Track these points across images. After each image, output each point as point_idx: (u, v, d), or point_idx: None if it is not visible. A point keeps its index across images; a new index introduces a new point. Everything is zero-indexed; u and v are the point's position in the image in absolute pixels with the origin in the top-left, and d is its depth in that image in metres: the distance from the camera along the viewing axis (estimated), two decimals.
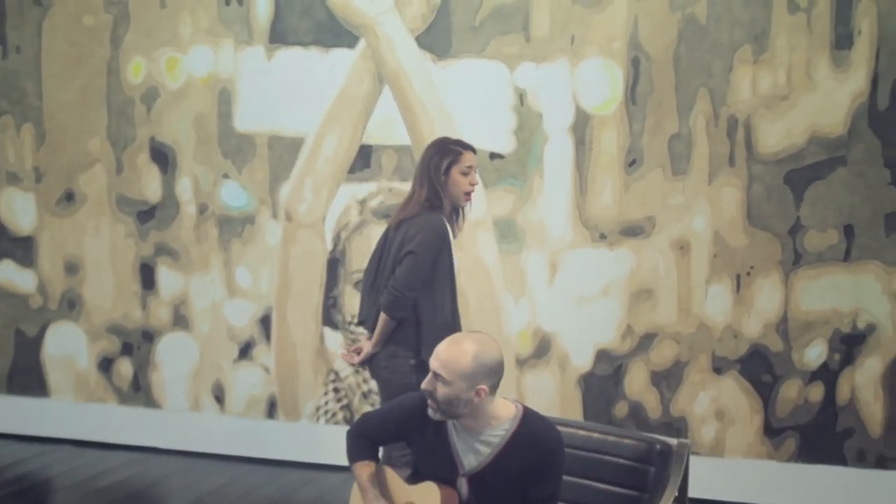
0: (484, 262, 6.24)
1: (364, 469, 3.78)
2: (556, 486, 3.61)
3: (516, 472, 3.56)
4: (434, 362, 3.53)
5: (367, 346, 4.89)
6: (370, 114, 6.33)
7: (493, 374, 3.54)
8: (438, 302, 4.79)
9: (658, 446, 3.98)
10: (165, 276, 6.78)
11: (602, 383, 6.13)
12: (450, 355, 3.51)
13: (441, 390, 3.51)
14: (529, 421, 3.63)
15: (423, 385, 3.54)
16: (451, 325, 4.77)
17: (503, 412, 3.61)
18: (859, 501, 5.83)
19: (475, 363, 3.50)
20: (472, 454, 3.62)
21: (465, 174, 4.82)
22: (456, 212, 4.93)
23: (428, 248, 4.73)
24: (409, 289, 4.72)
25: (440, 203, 4.80)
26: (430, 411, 3.59)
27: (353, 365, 5.03)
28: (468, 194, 4.86)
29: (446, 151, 4.84)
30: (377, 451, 3.84)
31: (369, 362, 4.92)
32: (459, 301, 6.21)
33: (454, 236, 4.89)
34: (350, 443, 3.84)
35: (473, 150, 4.90)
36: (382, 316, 4.79)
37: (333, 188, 6.45)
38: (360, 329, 6.41)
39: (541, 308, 6.19)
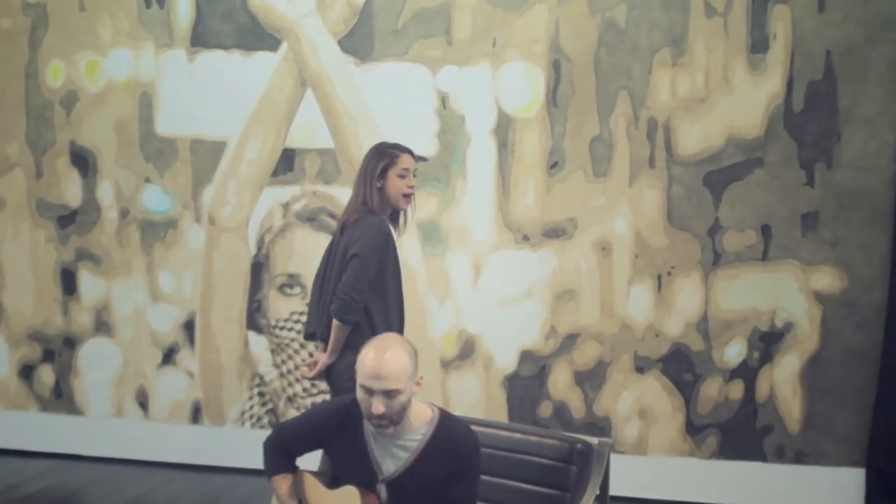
0: (408, 264, 6.25)
1: (282, 483, 3.77)
2: (475, 487, 3.63)
3: (435, 475, 3.57)
4: (378, 382, 3.46)
5: (322, 358, 4.83)
6: (293, 117, 6.32)
7: (417, 360, 3.58)
8: (390, 303, 4.79)
9: (579, 446, 4.02)
10: (87, 281, 6.71)
11: (526, 384, 6.17)
12: (395, 366, 3.48)
13: (397, 402, 3.49)
14: (446, 424, 3.64)
15: (377, 410, 3.47)
16: (401, 326, 4.82)
17: (420, 415, 3.62)
18: (779, 496, 5.93)
19: (411, 359, 3.53)
20: (391, 459, 3.63)
21: (402, 177, 4.83)
22: (397, 214, 4.95)
23: (373, 249, 4.70)
24: (357, 291, 4.68)
25: (379, 206, 4.81)
26: (382, 431, 3.57)
27: (309, 378, 4.93)
28: (407, 196, 4.86)
29: (382, 154, 4.85)
30: (294, 462, 3.82)
31: (326, 373, 4.86)
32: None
33: (396, 238, 4.91)
34: (267, 455, 3.82)
35: (411, 153, 4.91)
36: (335, 323, 4.73)
37: (257, 192, 6.43)
38: (285, 333, 6.40)
39: (465, 310, 6.22)
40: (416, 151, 6.13)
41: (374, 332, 4.66)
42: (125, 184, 6.59)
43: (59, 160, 6.65)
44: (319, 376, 4.88)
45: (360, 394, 3.53)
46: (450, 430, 3.63)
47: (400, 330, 4.77)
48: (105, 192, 6.62)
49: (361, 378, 3.50)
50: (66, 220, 6.69)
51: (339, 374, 4.77)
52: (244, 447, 6.40)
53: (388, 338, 3.59)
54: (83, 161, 6.63)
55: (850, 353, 5.80)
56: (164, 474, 6.54)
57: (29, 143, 6.68)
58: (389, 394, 3.47)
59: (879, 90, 5.64)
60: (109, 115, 6.56)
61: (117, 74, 6.55)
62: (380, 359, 3.48)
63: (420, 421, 3.61)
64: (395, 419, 3.52)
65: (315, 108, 6.28)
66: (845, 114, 5.68)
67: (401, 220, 4.98)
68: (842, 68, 5.68)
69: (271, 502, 3.88)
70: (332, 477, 3.77)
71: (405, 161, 4.86)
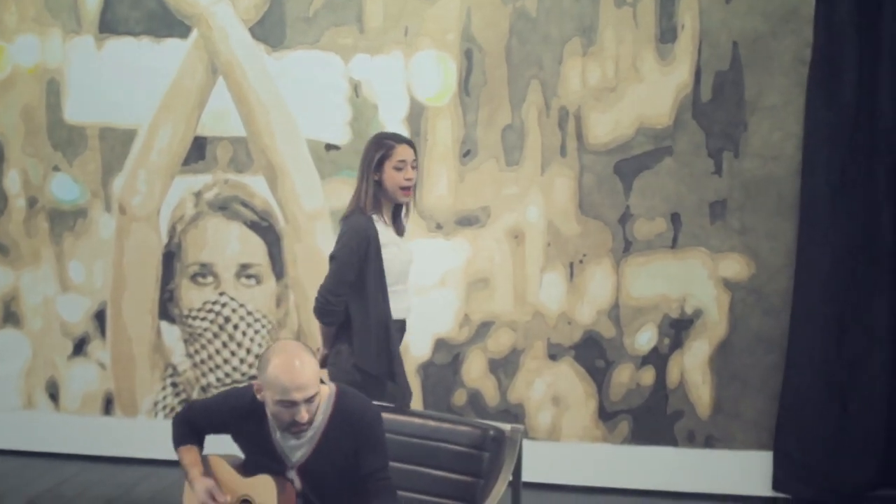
0: (322, 253, 6.23)
1: (186, 453, 3.78)
2: (384, 455, 3.66)
3: (341, 453, 3.59)
4: (298, 393, 3.47)
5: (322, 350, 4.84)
6: (204, 105, 6.27)
7: (260, 369, 3.59)
8: (371, 306, 4.63)
9: (492, 432, 4.06)
10: None
11: (441, 372, 6.19)
12: (309, 372, 3.50)
13: (314, 404, 3.52)
14: (343, 400, 3.67)
15: (303, 419, 3.49)
16: (385, 325, 4.66)
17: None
18: (689, 480, 6.01)
19: (315, 358, 3.55)
20: (296, 445, 3.64)
21: (398, 169, 4.65)
22: (398, 208, 4.80)
23: (349, 252, 4.58)
24: (332, 293, 4.60)
25: (373, 201, 4.67)
26: (302, 434, 3.57)
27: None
28: (405, 189, 4.68)
29: (379, 146, 4.70)
30: (202, 440, 3.83)
31: (322, 363, 4.75)
32: (297, 294, 6.22)
33: (400, 233, 4.80)
34: (175, 430, 3.85)
35: (410, 144, 4.74)
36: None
37: (168, 180, 6.37)
38: (198, 322, 6.36)
39: None
40: (329, 140, 6.15)
41: (353, 334, 4.66)
42: (33, 172, 6.49)
43: None
44: (323, 366, 4.76)
45: (276, 409, 3.51)
46: (348, 405, 3.66)
47: (385, 330, 4.66)
48: (12, 181, 6.51)
49: (280, 395, 3.48)
50: None
51: (331, 363, 4.71)
52: (157, 438, 6.33)
53: (289, 347, 3.57)
54: None
55: (757, 339, 5.90)
56: (76, 466, 6.47)
57: None
58: (310, 399, 3.49)
59: (784, 80, 5.73)
60: (16, 102, 6.45)
61: (23, 61, 6.44)
62: (295, 372, 3.48)
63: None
64: (313, 420, 3.54)
65: (226, 96, 6.23)
66: (752, 104, 5.77)
67: (402, 214, 4.83)
68: (748, 59, 5.76)
69: (184, 493, 3.87)
70: (245, 463, 3.77)
71: (402, 152, 4.68)
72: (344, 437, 3.61)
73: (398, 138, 4.77)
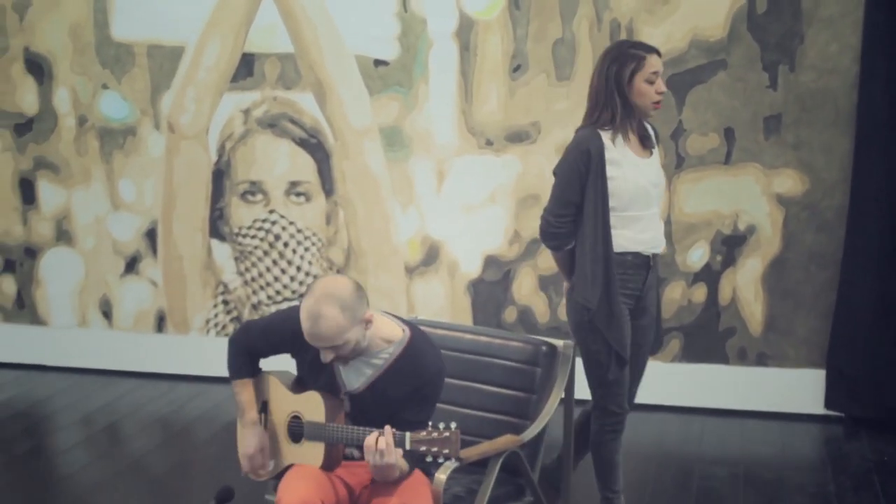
0: (371, 170, 6.22)
1: (243, 388, 3.76)
2: (430, 411, 3.61)
3: (395, 395, 3.57)
4: (316, 342, 3.44)
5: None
6: (252, 21, 6.21)
7: (359, 301, 3.47)
8: (587, 231, 4.18)
9: (544, 348, 4.05)
10: (46, 190, 6.63)
11: (491, 289, 6.18)
12: (327, 329, 3.41)
13: (346, 349, 3.46)
14: (415, 346, 3.62)
15: (325, 359, 3.46)
16: (602, 256, 4.18)
17: (390, 335, 3.60)
18: (741, 398, 6.00)
19: (345, 314, 3.42)
20: (355, 375, 3.62)
21: (650, 82, 4.15)
22: (642, 126, 4.29)
23: (567, 168, 4.18)
24: (552, 214, 4.21)
25: (618, 117, 4.17)
26: (345, 363, 3.57)
27: None
28: (657, 103, 4.21)
29: (627, 58, 4.16)
30: (257, 364, 3.81)
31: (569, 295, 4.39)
32: (346, 211, 6.22)
33: (651, 153, 4.28)
34: (231, 356, 3.80)
35: (658, 53, 4.23)
36: None
37: (216, 98, 6.34)
38: (248, 240, 6.38)
39: (429, 215, 6.20)
40: (378, 55, 6.10)
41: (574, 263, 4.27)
42: (82, 91, 6.48)
43: (13, 67, 6.53)
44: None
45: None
46: (417, 353, 3.61)
47: (604, 260, 4.18)
48: (62, 100, 6.52)
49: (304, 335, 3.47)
50: (23, 128, 6.59)
51: (567, 298, 4.37)
52: (209, 355, 6.39)
53: (322, 295, 3.44)
54: (38, 68, 6.51)
55: (811, 256, 5.84)
56: (129, 383, 6.55)
57: None
58: (335, 348, 3.46)
59: None
60: (63, 20, 6.43)
61: None
62: (313, 326, 3.42)
63: (390, 340, 3.59)
64: (350, 356, 3.51)
65: (274, 12, 6.17)
66: (808, 14, 5.64)
67: (652, 134, 4.34)
68: None
69: (238, 427, 3.88)
70: (298, 379, 3.77)
71: (653, 62, 4.16)
72: (401, 383, 3.58)
73: (646, 47, 4.23)
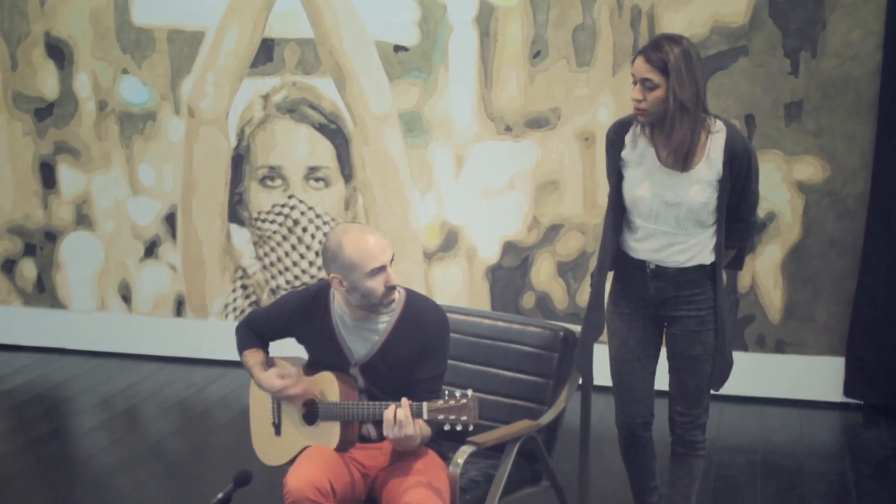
0: (390, 156, 6.21)
1: (252, 354, 3.81)
2: (443, 365, 3.67)
3: (405, 355, 3.61)
4: (385, 255, 3.56)
5: None
6: (272, 6, 6.21)
7: (332, 261, 3.58)
8: (604, 225, 4.12)
9: (562, 333, 4.05)
10: (66, 174, 6.65)
11: (509, 275, 6.18)
12: (382, 237, 3.60)
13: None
14: (413, 303, 3.68)
15: (395, 280, 3.57)
16: (602, 245, 4.10)
17: None
18: (760, 385, 5.98)
19: (323, 255, 3.59)
20: (361, 343, 3.66)
21: (634, 83, 3.84)
22: (693, 138, 3.85)
23: (607, 154, 4.06)
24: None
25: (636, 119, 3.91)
26: (387, 306, 3.64)
27: None
28: (638, 110, 3.86)
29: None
30: (266, 345, 3.85)
31: None
32: (365, 197, 6.22)
33: (687, 171, 3.86)
34: (239, 336, 3.89)
35: (646, 53, 3.83)
36: None
37: (236, 83, 6.35)
38: (267, 225, 6.39)
39: (448, 201, 6.20)
40: (398, 41, 6.09)
41: None
42: (102, 75, 6.50)
43: (34, 51, 6.55)
44: None
45: (369, 285, 3.54)
46: (418, 309, 3.67)
47: (599, 265, 4.11)
48: (82, 84, 6.53)
49: (370, 263, 3.52)
50: (44, 112, 6.61)
51: None
52: (228, 340, 6.34)
53: (347, 227, 3.66)
54: (59, 52, 6.52)
55: (831, 243, 5.82)
56: (148, 367, 6.57)
57: (3, 35, 6.56)
58: (391, 262, 3.58)
59: None
60: (84, 5, 6.44)
61: None
62: (372, 236, 3.57)
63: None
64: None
65: None
66: (831, 1, 5.61)
67: (715, 150, 3.92)
68: None
69: (250, 395, 3.91)
70: (309, 362, 3.79)
71: (635, 65, 3.82)
72: (409, 340, 3.62)
73: (643, 48, 3.87)
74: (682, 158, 3.83)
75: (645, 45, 3.87)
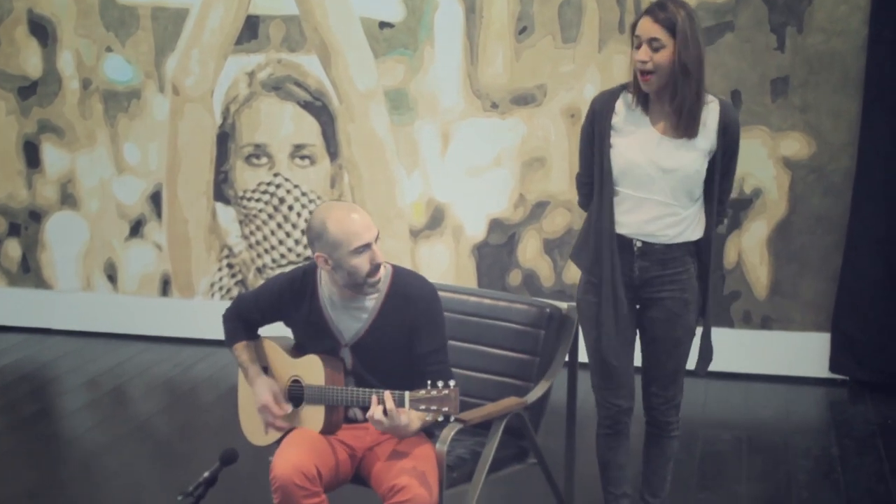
0: (376, 133, 6.20)
1: (242, 350, 3.79)
2: (441, 336, 3.64)
3: (397, 332, 3.59)
4: (369, 233, 3.54)
5: None
6: None
7: (317, 240, 3.55)
8: (595, 196, 3.92)
9: (548, 310, 4.04)
10: (50, 153, 6.61)
11: (496, 252, 6.17)
12: (367, 215, 3.59)
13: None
14: (400, 279, 3.66)
15: (379, 258, 3.55)
16: (597, 230, 3.91)
17: None
18: (746, 361, 5.99)
19: (308, 233, 3.58)
20: (351, 322, 3.64)
21: (637, 47, 3.75)
22: (694, 107, 3.76)
23: (583, 126, 3.96)
24: (580, 169, 4.04)
25: (632, 84, 3.83)
26: (374, 287, 3.62)
27: None
28: (642, 74, 3.76)
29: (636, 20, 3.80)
30: (254, 332, 3.83)
31: None
32: (351, 174, 6.20)
33: (685, 138, 3.77)
34: (226, 326, 3.86)
35: (653, 13, 3.73)
36: None
37: (221, 60, 6.32)
38: (253, 203, 6.37)
39: (434, 179, 6.19)
40: (383, 17, 6.06)
41: None
42: (86, 53, 6.46)
43: (17, 29, 6.50)
44: None
45: (354, 263, 3.52)
46: (405, 284, 3.65)
47: (593, 238, 3.93)
48: (66, 62, 6.49)
49: (355, 241, 3.50)
50: (27, 91, 6.57)
51: None
52: (214, 319, 6.32)
53: (332, 205, 3.67)
54: (42, 30, 6.48)
55: (817, 219, 5.82)
56: (134, 346, 6.56)
57: None
58: (377, 240, 3.55)
59: None
60: None
61: None
62: (356, 213, 3.56)
63: None
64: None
65: None
66: None
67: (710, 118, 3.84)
68: None
69: (239, 384, 3.89)
70: (296, 345, 3.78)
71: (640, 25, 3.73)
72: (400, 316, 3.61)
73: (649, 7, 3.76)
74: (688, 123, 3.73)
75: (649, 6, 3.74)
